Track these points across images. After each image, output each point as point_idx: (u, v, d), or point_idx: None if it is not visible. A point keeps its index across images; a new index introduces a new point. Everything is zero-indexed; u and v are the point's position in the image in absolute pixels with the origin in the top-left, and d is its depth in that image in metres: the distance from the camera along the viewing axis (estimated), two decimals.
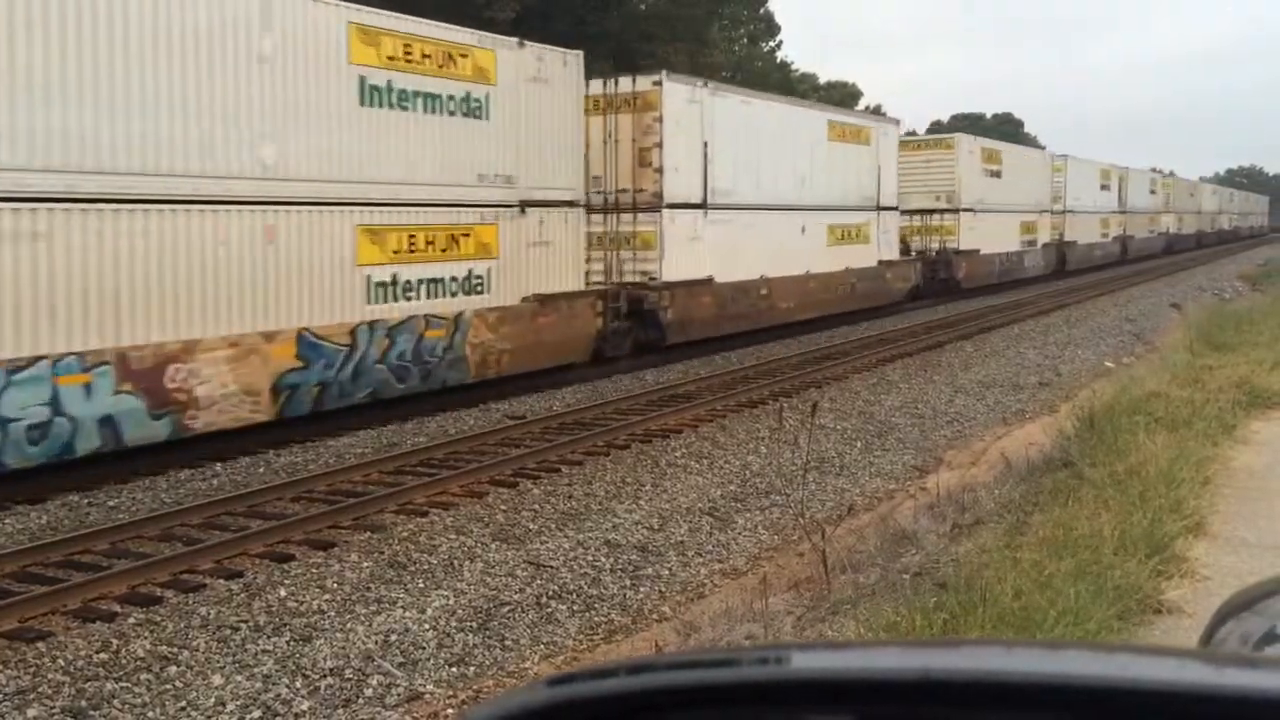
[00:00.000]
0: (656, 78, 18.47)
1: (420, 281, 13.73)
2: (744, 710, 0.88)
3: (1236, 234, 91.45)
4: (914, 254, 30.42)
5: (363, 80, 12.74)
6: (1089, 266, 44.30)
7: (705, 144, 19.21)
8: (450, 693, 6.15)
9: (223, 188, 11.17)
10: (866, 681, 0.86)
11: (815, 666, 0.95)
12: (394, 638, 6.83)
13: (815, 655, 1.07)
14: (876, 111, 48.93)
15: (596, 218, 17.53)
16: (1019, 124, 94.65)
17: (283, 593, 7.57)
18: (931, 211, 31.72)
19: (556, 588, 7.80)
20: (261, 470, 11.12)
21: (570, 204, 16.22)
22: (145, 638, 6.76)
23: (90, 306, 9.93)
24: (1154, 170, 65.71)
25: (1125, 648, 1.73)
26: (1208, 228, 77.24)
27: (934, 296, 29.95)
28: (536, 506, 9.80)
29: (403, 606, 7.35)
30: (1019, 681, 0.83)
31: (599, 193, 17.53)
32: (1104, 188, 48.16)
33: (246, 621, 7.05)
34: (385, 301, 13.23)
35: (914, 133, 48.79)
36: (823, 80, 60.27)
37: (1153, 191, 59.01)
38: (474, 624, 7.10)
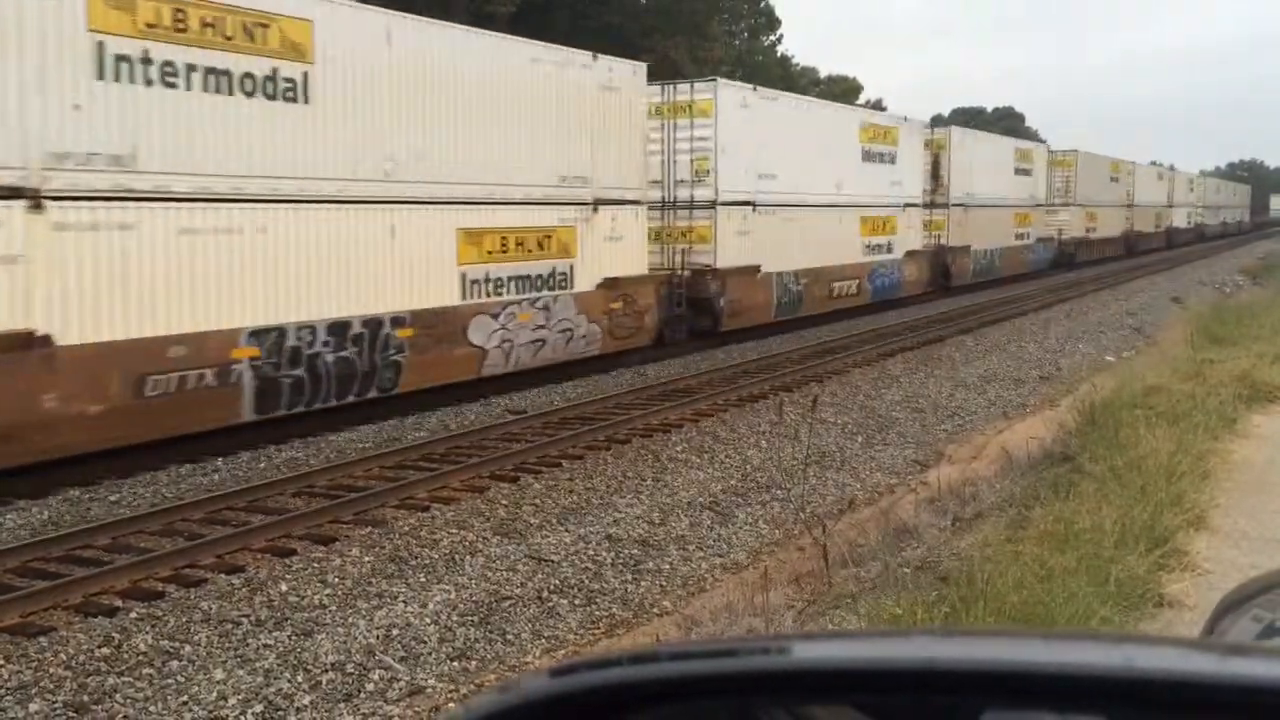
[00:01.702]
0: None
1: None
2: (746, 700, 0.88)
3: (1201, 233, 69.46)
4: None
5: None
6: (823, 311, 23.07)
7: None
8: (452, 687, 6.16)
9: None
10: (872, 671, 0.86)
11: (820, 656, 0.94)
12: (395, 632, 6.83)
13: (819, 645, 1.07)
14: (878, 108, 46.85)
15: None
16: (1020, 118, 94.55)
17: (284, 587, 7.57)
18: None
19: (558, 582, 7.80)
20: (262, 465, 11.13)
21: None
22: (147, 632, 6.77)
23: None
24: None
25: (1129, 638, 1.74)
26: (1148, 227, 54.85)
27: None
28: (537, 501, 9.80)
29: (404, 601, 7.36)
30: (1023, 671, 0.83)
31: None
32: (877, 158, 25.21)
33: (248, 616, 7.05)
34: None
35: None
36: (823, 75, 60.10)
37: (1023, 171, 35.64)
38: (475, 618, 7.10)
